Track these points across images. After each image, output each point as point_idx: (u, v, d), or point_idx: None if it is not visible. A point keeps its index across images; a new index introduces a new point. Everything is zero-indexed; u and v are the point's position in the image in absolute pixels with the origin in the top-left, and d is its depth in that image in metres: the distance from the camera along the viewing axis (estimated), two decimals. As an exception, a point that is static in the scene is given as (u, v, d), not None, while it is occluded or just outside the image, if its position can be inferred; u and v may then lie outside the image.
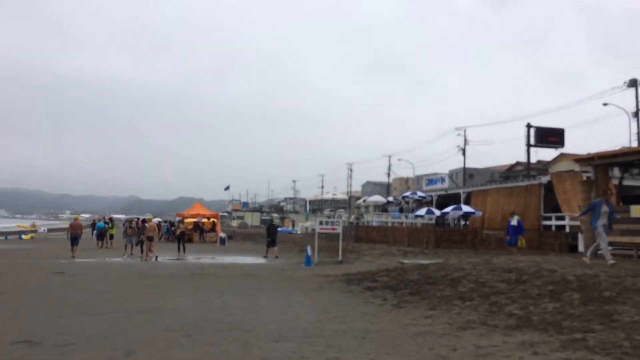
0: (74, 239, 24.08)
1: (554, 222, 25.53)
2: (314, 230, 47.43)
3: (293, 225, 64.31)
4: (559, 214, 25.21)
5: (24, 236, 46.94)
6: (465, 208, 26.08)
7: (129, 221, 27.01)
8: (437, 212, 28.41)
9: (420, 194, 35.74)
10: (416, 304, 10.19)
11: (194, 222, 41.02)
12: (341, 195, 58.59)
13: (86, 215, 57.53)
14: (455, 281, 11.49)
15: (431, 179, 39.02)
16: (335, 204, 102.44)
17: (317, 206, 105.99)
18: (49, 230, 53.51)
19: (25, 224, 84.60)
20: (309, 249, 20.56)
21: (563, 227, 24.90)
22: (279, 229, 62.68)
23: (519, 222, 19.30)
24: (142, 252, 24.66)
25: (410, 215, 31.25)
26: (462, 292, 10.44)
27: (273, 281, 14.82)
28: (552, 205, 26.62)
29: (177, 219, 41.66)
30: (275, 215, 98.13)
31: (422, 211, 29.18)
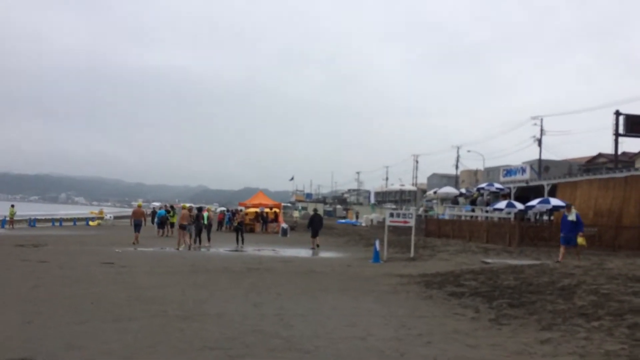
0: (137, 226, 24.70)
1: (660, 220, 22.21)
2: (379, 222, 45.35)
3: (357, 217, 62.36)
4: (667, 210, 21.89)
5: (90, 222, 47.43)
6: (555, 201, 23.14)
7: (188, 209, 25.88)
8: (520, 206, 25.55)
9: (497, 185, 32.78)
10: (522, 320, 7.98)
11: (256, 211, 39.88)
12: (409, 187, 55.85)
13: (157, 204, 58.37)
14: (568, 291, 9.16)
15: (510, 170, 35.76)
16: (401, 196, 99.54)
17: (382, 198, 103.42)
18: (115, 218, 54.10)
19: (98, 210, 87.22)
20: (377, 243, 18.55)
21: (671, 225, 21.58)
22: (342, 221, 61.50)
23: (577, 216, 16.12)
24: (199, 242, 23.62)
25: (489, 208, 28.52)
26: (582, 307, 8.13)
27: (338, 280, 12.93)
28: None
29: (240, 208, 40.71)
30: (327, 205, 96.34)
31: (502, 204, 26.40)
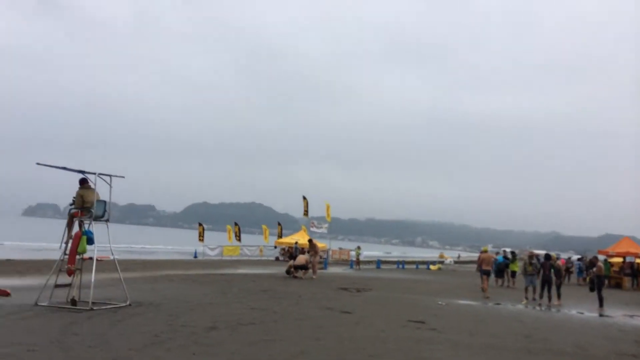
0: (485, 272, 21.25)
1: None
2: None
3: None
4: None
5: (431, 266, 46.08)
6: None
7: (530, 256, 21.02)
8: None
9: None
10: None
11: (623, 261, 31.68)
12: None
13: (508, 249, 53.48)
14: None
15: None
16: None
17: None
18: (456, 262, 51.77)
19: (448, 254, 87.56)
20: None
21: None
22: None
23: None
24: (548, 298, 18.59)
25: None
26: None
27: None
28: None
29: (600, 257, 33.03)
30: None
31: None
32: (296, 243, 37.94)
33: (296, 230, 52.62)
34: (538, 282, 19.40)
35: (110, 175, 12.15)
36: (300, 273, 23.97)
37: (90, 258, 11.57)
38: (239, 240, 49.66)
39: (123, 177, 12.78)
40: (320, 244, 48.89)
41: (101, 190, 12.09)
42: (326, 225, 51.76)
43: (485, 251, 24.32)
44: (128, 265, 24.37)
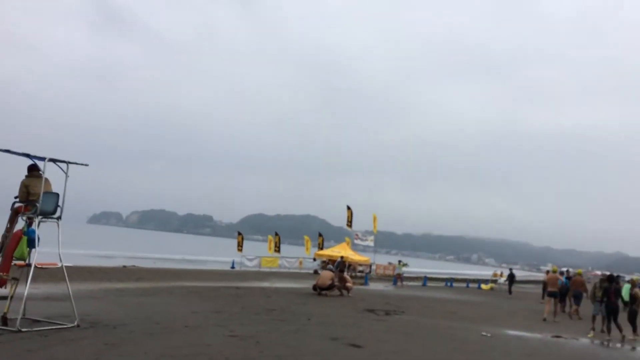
0: (552, 295, 19.62)
1: None
2: None
3: None
4: None
5: (483, 286, 42.08)
6: None
7: (602, 279, 17.39)
8: None
9: None
10: None
11: None
12: None
13: (572, 270, 47.27)
14: None
15: None
16: None
17: None
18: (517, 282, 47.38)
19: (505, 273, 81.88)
20: None
21: None
22: None
23: None
24: (618, 328, 15.08)
25: None
26: None
27: None
28: None
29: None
30: None
31: None
32: (341, 257, 34.88)
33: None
34: (604, 310, 15.91)
35: (67, 162, 9.79)
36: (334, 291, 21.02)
37: (29, 265, 9.24)
38: (278, 251, 47.39)
39: (86, 164, 10.34)
40: (362, 257, 45.93)
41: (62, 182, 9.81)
42: (372, 237, 48.55)
43: (554, 271, 21.31)
44: (141, 274, 22.31)
